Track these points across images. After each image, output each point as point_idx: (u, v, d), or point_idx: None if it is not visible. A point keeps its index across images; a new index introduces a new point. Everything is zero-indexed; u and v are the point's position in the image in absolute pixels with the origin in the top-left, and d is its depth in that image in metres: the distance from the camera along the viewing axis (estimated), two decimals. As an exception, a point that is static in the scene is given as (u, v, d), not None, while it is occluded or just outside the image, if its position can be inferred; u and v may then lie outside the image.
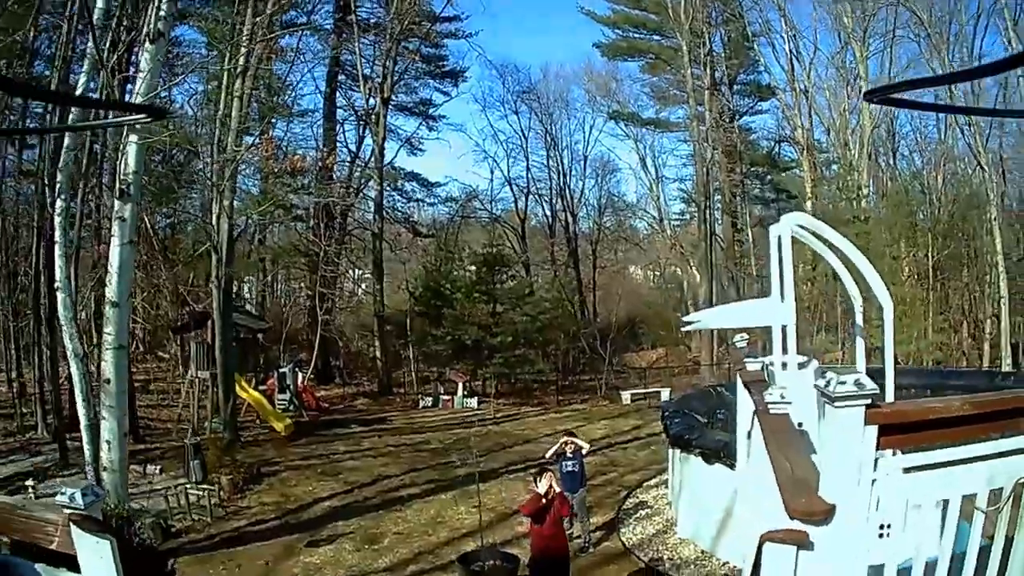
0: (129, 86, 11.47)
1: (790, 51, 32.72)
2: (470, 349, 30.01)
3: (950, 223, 28.87)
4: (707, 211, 33.07)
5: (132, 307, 27.09)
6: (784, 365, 6.01)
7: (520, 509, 8.78)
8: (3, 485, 16.04)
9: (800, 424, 5.03)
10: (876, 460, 3.09)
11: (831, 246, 6.72)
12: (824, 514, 3.02)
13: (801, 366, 5.69)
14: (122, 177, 9.01)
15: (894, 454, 3.27)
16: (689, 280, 35.00)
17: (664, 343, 35.43)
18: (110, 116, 9.00)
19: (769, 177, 37.90)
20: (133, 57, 17.04)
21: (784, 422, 4.90)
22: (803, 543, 3.03)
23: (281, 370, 25.57)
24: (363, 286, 37.95)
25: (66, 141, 11.68)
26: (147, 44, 10.53)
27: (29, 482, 15.18)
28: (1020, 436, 3.34)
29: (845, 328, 25.34)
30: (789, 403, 5.12)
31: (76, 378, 11.33)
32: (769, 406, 5.13)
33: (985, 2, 27.90)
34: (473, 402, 27.62)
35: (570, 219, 42.64)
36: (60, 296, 11.64)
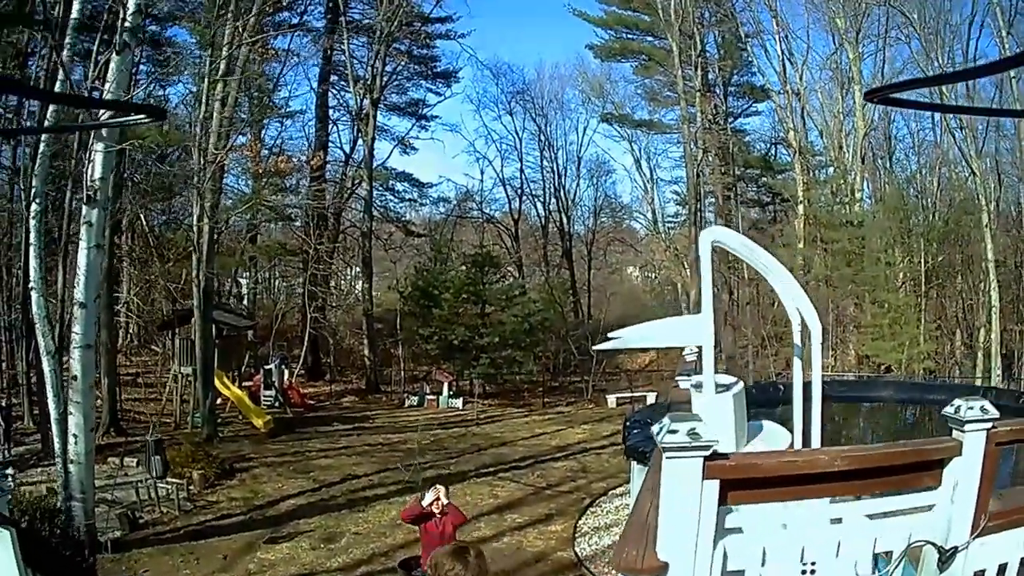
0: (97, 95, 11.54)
1: (782, 52, 32.09)
2: (458, 349, 29.96)
3: (944, 229, 28.50)
4: (699, 213, 32.82)
5: (127, 303, 27.51)
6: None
7: (401, 515, 8.65)
8: (-18, 472, 16.35)
9: None
10: (726, 515, 2.94)
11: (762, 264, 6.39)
12: (653, 571, 2.80)
13: (722, 389, 4.67)
14: (89, 183, 9.30)
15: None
16: (683, 282, 34.81)
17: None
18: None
19: (764, 180, 37.54)
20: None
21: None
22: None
23: (267, 367, 25.77)
24: (358, 285, 37.94)
25: (41, 147, 11.87)
26: (114, 55, 10.65)
27: (9, 471, 15.64)
28: (916, 493, 3.17)
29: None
30: None
31: (47, 374, 11.65)
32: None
33: (979, 3, 27.37)
34: (458, 402, 27.69)
35: (564, 220, 42.52)
36: (34, 296, 11.96)
